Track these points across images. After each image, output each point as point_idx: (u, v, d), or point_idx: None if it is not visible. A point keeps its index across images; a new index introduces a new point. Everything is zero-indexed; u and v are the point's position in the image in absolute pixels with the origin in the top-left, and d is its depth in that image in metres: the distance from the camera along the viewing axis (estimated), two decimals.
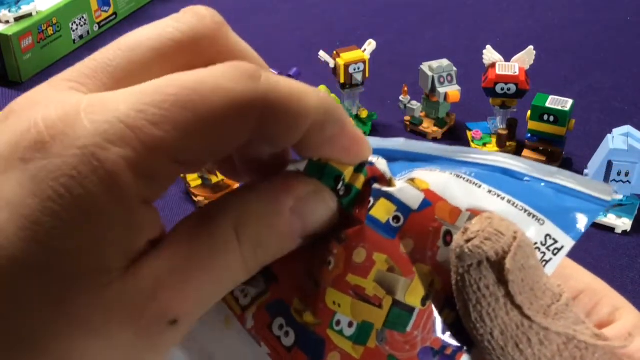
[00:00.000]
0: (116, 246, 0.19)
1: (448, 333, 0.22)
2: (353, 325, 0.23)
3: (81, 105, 0.19)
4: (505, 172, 0.24)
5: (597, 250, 0.69)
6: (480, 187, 0.23)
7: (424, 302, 0.22)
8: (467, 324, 0.22)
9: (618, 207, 0.72)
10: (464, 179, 0.23)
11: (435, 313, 0.22)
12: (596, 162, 0.71)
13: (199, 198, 0.77)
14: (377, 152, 0.26)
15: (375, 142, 0.26)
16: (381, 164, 0.25)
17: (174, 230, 0.21)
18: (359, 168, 0.24)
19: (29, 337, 0.19)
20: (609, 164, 0.70)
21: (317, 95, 0.21)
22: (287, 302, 0.24)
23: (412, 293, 0.23)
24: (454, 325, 0.22)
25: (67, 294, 0.19)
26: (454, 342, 0.22)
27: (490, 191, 0.23)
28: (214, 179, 0.77)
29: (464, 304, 0.22)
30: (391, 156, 0.26)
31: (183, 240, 0.21)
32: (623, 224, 0.71)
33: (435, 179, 0.24)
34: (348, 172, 0.24)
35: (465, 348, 0.22)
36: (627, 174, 0.70)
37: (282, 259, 0.23)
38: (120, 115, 0.19)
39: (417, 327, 0.22)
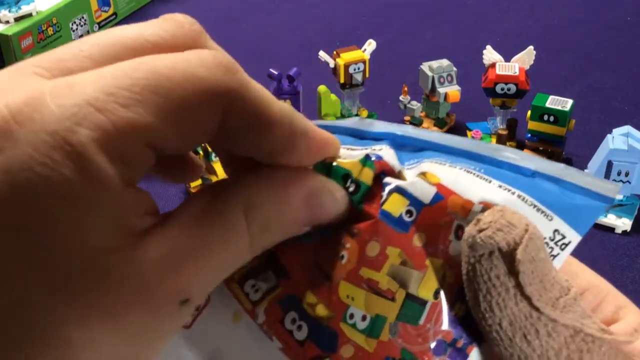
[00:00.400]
0: (104, 226, 0.19)
1: (459, 326, 0.23)
2: (366, 318, 0.23)
3: (46, 89, 0.19)
4: (514, 168, 0.24)
5: (597, 250, 0.69)
6: (490, 182, 0.23)
7: (436, 295, 0.23)
8: (476, 314, 0.22)
9: (618, 207, 0.72)
10: (473, 174, 0.24)
11: (447, 306, 0.23)
12: (596, 162, 0.71)
13: None
14: (385, 136, 0.26)
15: (383, 126, 0.27)
16: (389, 155, 0.25)
17: (182, 208, 0.21)
18: (365, 162, 0.25)
19: (31, 327, 0.18)
20: (609, 164, 0.70)
21: (283, 105, 0.22)
22: (299, 296, 0.24)
23: (425, 286, 0.23)
24: (465, 319, 0.23)
25: (64, 280, 0.18)
26: (465, 335, 0.23)
27: (500, 186, 0.23)
28: (214, 179, 0.77)
29: (473, 294, 0.22)
30: (398, 142, 0.26)
31: (192, 220, 0.21)
32: (623, 224, 0.71)
33: (446, 173, 0.24)
34: (355, 169, 0.25)
35: (475, 342, 0.22)
36: (627, 174, 0.70)
37: (293, 253, 0.23)
38: (89, 98, 0.19)
39: (429, 320, 0.23)
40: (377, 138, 0.27)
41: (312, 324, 0.24)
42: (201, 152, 0.77)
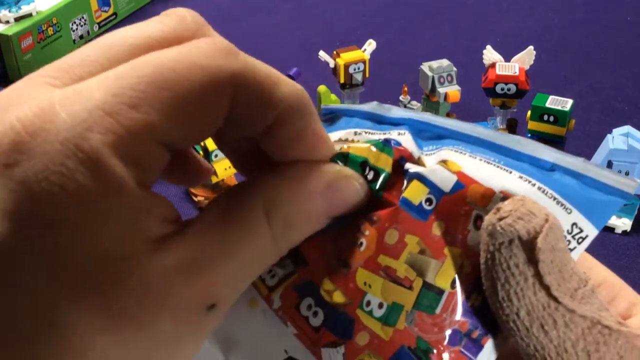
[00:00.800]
0: (121, 233, 0.19)
1: (475, 317, 0.23)
2: (383, 306, 0.23)
3: (55, 99, 0.19)
4: (534, 161, 0.24)
5: (597, 250, 0.69)
6: (510, 172, 0.23)
7: (453, 285, 0.23)
8: (494, 304, 0.22)
9: None
10: (493, 165, 0.24)
11: (463, 296, 0.23)
12: (596, 162, 0.71)
13: (199, 198, 0.77)
14: (404, 122, 0.26)
15: (402, 112, 0.27)
16: (407, 140, 0.25)
17: (201, 215, 0.21)
18: (383, 148, 0.25)
19: (53, 331, 0.18)
20: (609, 164, 0.70)
21: (293, 84, 0.21)
22: (316, 282, 0.24)
23: (442, 275, 0.23)
24: (481, 310, 0.23)
25: (84, 287, 0.19)
26: (481, 326, 0.22)
27: (520, 177, 0.23)
28: (214, 179, 0.76)
29: (491, 282, 0.22)
30: (417, 127, 0.26)
31: (211, 224, 0.21)
32: (623, 224, 0.71)
33: (467, 162, 0.24)
34: (372, 156, 0.24)
35: (490, 333, 0.22)
36: (627, 174, 0.70)
37: (311, 241, 0.23)
38: (97, 102, 0.19)
39: (445, 310, 0.23)
40: (396, 123, 0.27)
41: (328, 310, 0.24)
42: (201, 152, 0.77)
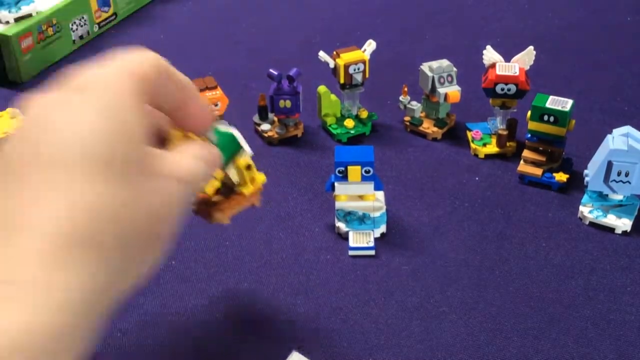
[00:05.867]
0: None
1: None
2: None
3: None
4: None
5: (597, 250, 0.69)
6: None
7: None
8: None
9: (618, 207, 0.72)
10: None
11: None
12: (596, 162, 0.71)
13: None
14: None
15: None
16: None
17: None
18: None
19: None
20: (609, 164, 0.70)
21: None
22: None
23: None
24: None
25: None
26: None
27: None
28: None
29: None
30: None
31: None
32: (623, 224, 0.71)
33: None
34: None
35: None
36: (627, 174, 0.70)
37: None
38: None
39: None
40: None
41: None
42: None
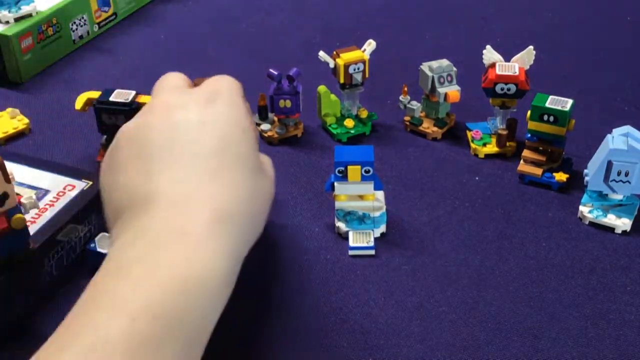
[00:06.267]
0: None
1: None
2: None
3: None
4: None
5: (597, 250, 0.69)
6: None
7: None
8: None
9: (618, 207, 0.72)
10: None
11: None
12: (596, 162, 0.71)
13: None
14: None
15: None
16: None
17: None
18: None
19: None
20: (609, 164, 0.70)
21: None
22: None
23: None
24: None
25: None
26: None
27: None
28: None
29: None
30: None
31: None
32: (623, 224, 0.71)
33: None
34: None
35: None
36: (627, 174, 0.70)
37: None
38: None
39: None
40: None
41: None
42: None
